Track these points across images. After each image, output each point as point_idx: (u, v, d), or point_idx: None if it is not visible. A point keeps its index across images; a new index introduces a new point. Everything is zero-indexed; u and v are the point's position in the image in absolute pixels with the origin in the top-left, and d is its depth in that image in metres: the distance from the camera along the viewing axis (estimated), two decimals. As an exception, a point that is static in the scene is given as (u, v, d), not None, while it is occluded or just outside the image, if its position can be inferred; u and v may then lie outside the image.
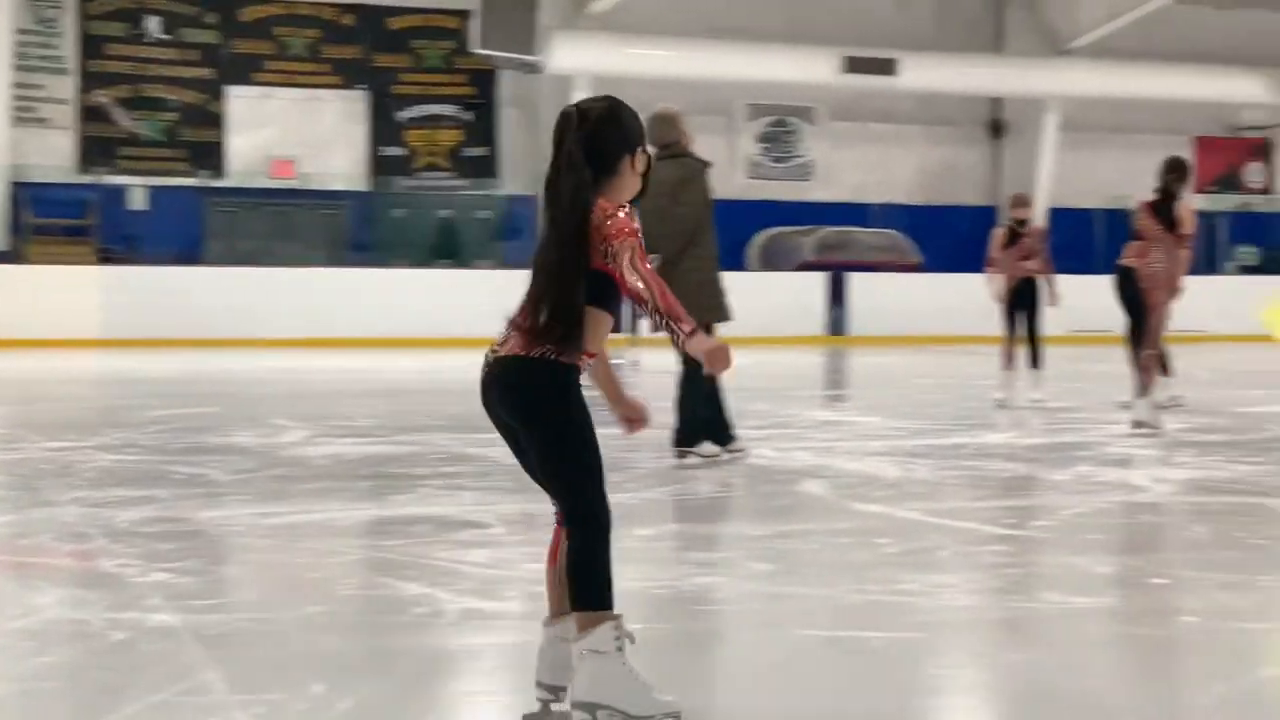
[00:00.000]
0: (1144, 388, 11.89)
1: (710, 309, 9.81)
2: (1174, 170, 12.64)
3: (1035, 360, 14.55)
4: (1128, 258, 12.79)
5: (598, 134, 4.20)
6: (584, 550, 4.17)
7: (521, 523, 7.73)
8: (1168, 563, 6.86)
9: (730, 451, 9.97)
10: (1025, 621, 5.71)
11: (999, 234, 14.87)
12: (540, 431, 4.23)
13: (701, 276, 9.89)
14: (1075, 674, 4.85)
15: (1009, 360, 14.33)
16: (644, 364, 18.30)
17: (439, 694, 4.79)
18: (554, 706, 4.28)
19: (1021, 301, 14.55)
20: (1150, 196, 12.61)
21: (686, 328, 4.07)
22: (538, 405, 4.21)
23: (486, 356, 4.27)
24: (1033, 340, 14.56)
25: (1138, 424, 11.71)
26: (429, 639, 5.35)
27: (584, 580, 4.16)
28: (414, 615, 5.65)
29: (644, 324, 15.59)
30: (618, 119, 4.26)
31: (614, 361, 12.05)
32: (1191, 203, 13.16)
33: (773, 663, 5.05)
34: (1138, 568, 6.79)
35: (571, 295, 4.15)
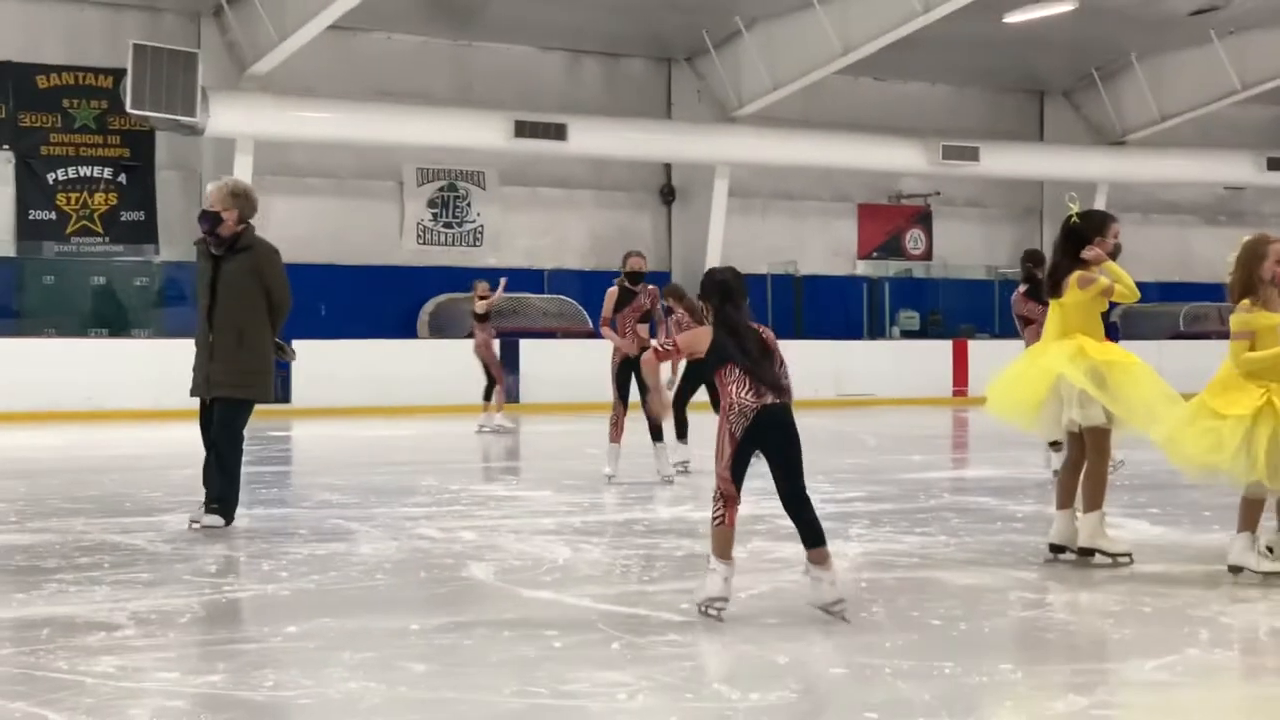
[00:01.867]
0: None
1: (264, 389, 10.28)
2: (1033, 260, 14.53)
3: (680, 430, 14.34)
4: (1033, 339, 14.33)
5: None
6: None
7: (158, 623, 7.05)
8: (846, 649, 6.56)
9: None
10: (700, 723, 5.32)
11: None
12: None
13: (268, 352, 10.12)
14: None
15: (620, 431, 13.62)
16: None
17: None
18: None
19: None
20: (1021, 288, 14.39)
21: None
22: None
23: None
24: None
25: None
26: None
27: None
28: (13, 746, 4.95)
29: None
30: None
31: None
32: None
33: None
34: (816, 656, 6.47)
35: None
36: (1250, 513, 8.05)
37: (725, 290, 7.11)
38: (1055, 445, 14.69)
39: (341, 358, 24.67)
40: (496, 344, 21.82)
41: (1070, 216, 8.82)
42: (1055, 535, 8.75)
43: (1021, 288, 14.76)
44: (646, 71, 30.24)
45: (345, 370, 24.44)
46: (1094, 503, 8.58)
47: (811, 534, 7.08)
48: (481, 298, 21.15)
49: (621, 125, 28.13)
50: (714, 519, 7.09)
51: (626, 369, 13.68)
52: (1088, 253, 8.67)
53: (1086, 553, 8.59)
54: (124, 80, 23.45)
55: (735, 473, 7.06)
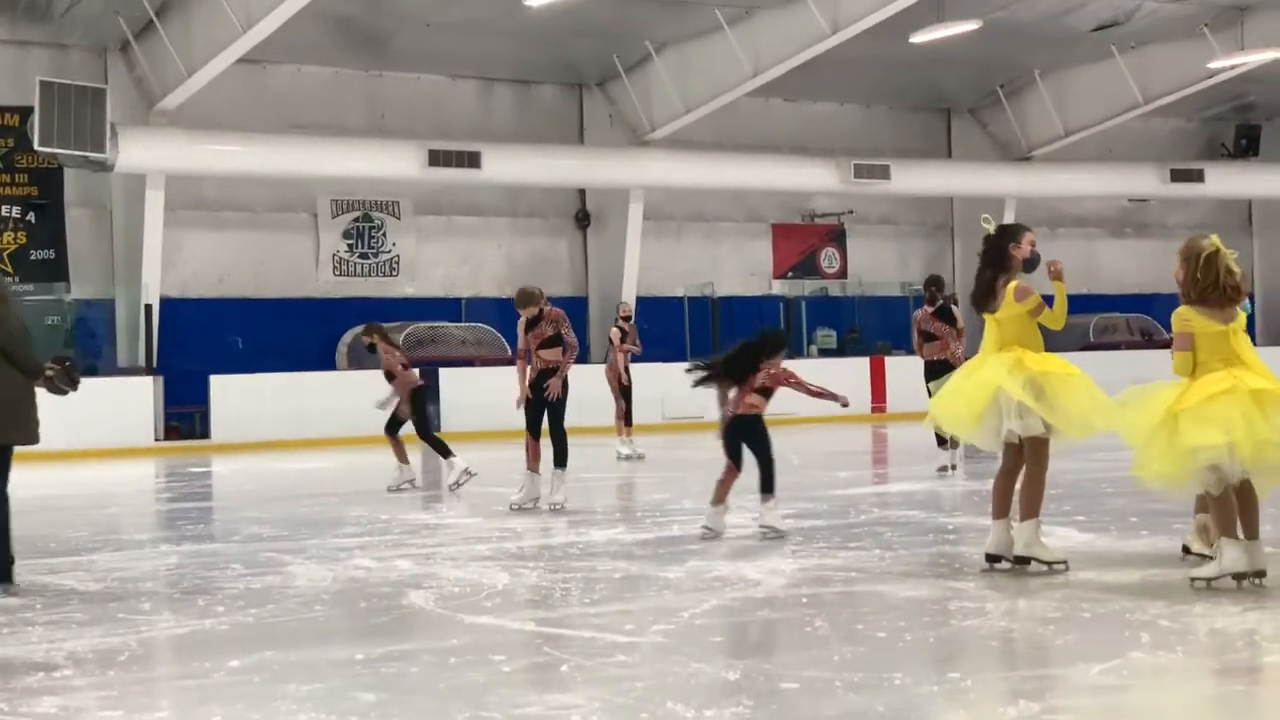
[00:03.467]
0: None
1: (16, 429, 9.37)
2: (935, 284, 16.69)
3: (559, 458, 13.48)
4: (935, 354, 16.34)
5: None
6: None
7: (96, 662, 6.96)
8: (795, 664, 6.58)
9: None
10: (657, 741, 5.32)
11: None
12: None
13: (9, 394, 9.24)
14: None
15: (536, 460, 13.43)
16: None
17: None
18: None
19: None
20: (926, 309, 16.54)
21: None
22: None
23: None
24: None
25: None
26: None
27: None
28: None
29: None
30: None
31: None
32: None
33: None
34: (766, 672, 6.48)
35: None
36: (1225, 513, 7.96)
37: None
38: (943, 443, 15.51)
39: (260, 391, 24.50)
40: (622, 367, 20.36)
41: (987, 234, 8.95)
42: (991, 545, 8.83)
43: (928, 308, 16.66)
44: (558, 98, 30.28)
45: (264, 403, 24.27)
46: (1031, 511, 8.67)
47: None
48: (625, 317, 20.80)
49: (535, 152, 28.13)
50: None
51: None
52: (1018, 250, 8.77)
53: (1023, 561, 8.67)
54: (31, 118, 23.18)
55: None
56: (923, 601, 8.00)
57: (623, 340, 20.39)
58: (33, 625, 7.97)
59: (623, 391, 20.03)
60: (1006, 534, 8.75)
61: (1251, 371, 7.93)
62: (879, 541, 10.46)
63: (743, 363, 11.27)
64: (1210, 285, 7.99)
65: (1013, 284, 8.75)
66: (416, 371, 16.77)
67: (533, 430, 13.43)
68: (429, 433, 16.11)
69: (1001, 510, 8.81)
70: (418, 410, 16.06)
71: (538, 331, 13.51)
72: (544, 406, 13.38)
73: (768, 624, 7.73)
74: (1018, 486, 8.76)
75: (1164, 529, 10.25)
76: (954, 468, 16.13)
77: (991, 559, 8.80)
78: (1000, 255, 8.85)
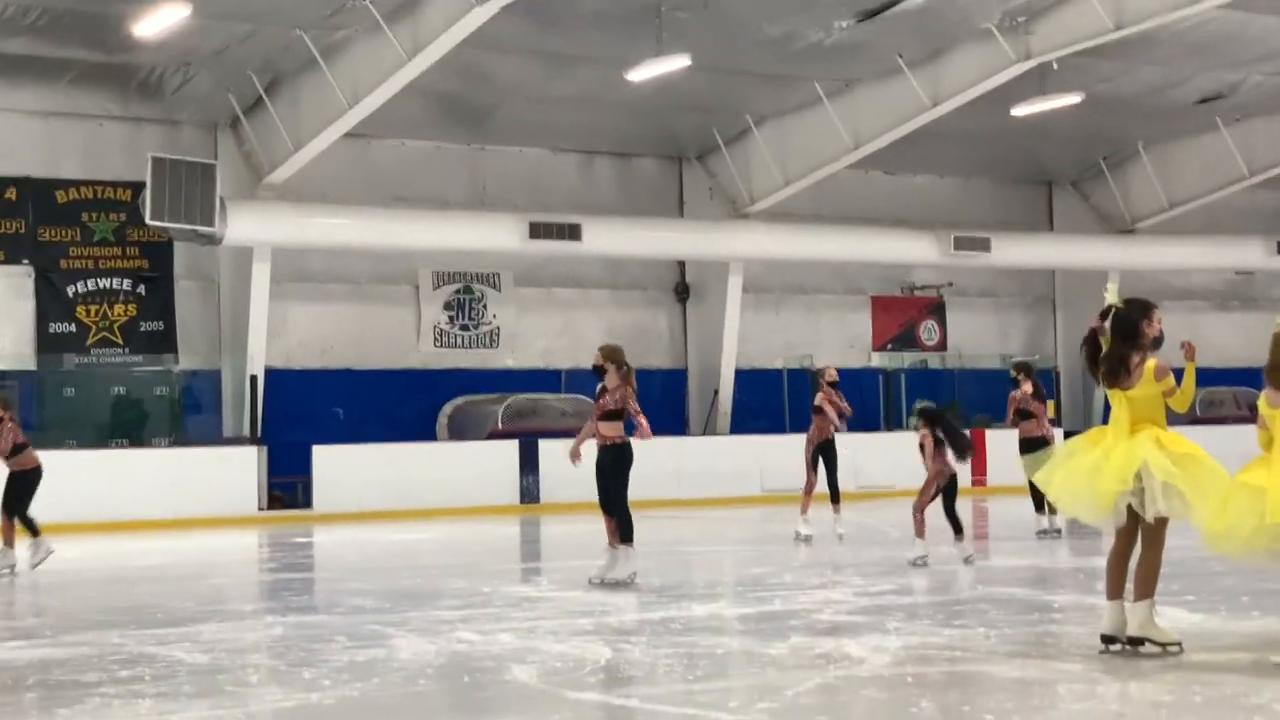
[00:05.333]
0: None
1: None
2: (1026, 369, 17.93)
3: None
4: (1031, 431, 17.25)
5: None
6: None
7: (206, 734, 7.04)
8: (902, 744, 6.53)
9: None
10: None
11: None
12: None
13: None
14: None
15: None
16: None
17: None
18: None
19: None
20: (1026, 387, 17.52)
21: None
22: None
23: None
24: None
25: None
26: None
27: None
28: None
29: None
30: None
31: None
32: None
33: None
34: (873, 752, 6.44)
35: None
36: None
37: None
38: (1041, 508, 16.18)
39: (361, 462, 24.72)
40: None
41: (1112, 306, 8.83)
42: (1106, 625, 8.69)
43: (1026, 387, 17.48)
44: (658, 170, 30.47)
45: (365, 474, 24.47)
46: (1146, 591, 8.54)
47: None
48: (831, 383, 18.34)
49: (635, 224, 28.29)
50: None
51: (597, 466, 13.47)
52: (1150, 328, 8.67)
53: (1136, 642, 8.54)
54: (143, 193, 23.63)
55: None
56: (1030, 683, 7.90)
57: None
58: (142, 697, 8.06)
59: (827, 464, 17.98)
60: (1121, 614, 8.61)
61: None
62: (983, 619, 10.35)
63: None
64: (1272, 366, 8.08)
65: (1152, 362, 8.63)
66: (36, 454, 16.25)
67: (604, 507, 13.39)
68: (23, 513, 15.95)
69: (1116, 590, 8.68)
70: (20, 490, 15.88)
71: (602, 402, 13.34)
72: (605, 482, 13.31)
73: (873, 704, 7.66)
74: (1132, 565, 8.63)
75: (1276, 609, 10.08)
76: (1058, 532, 16.15)
77: (1106, 640, 8.67)
78: (1133, 330, 8.72)
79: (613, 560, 13.26)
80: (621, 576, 13.09)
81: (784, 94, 27.10)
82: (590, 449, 13.39)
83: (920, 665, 8.54)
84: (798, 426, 29.43)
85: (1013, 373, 18.29)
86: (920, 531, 14.53)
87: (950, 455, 14.68)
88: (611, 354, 13.39)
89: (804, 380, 30.68)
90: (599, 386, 13.55)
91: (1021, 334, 33.72)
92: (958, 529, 14.69)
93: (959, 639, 9.46)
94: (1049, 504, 15.24)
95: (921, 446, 14.93)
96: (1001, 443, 28.76)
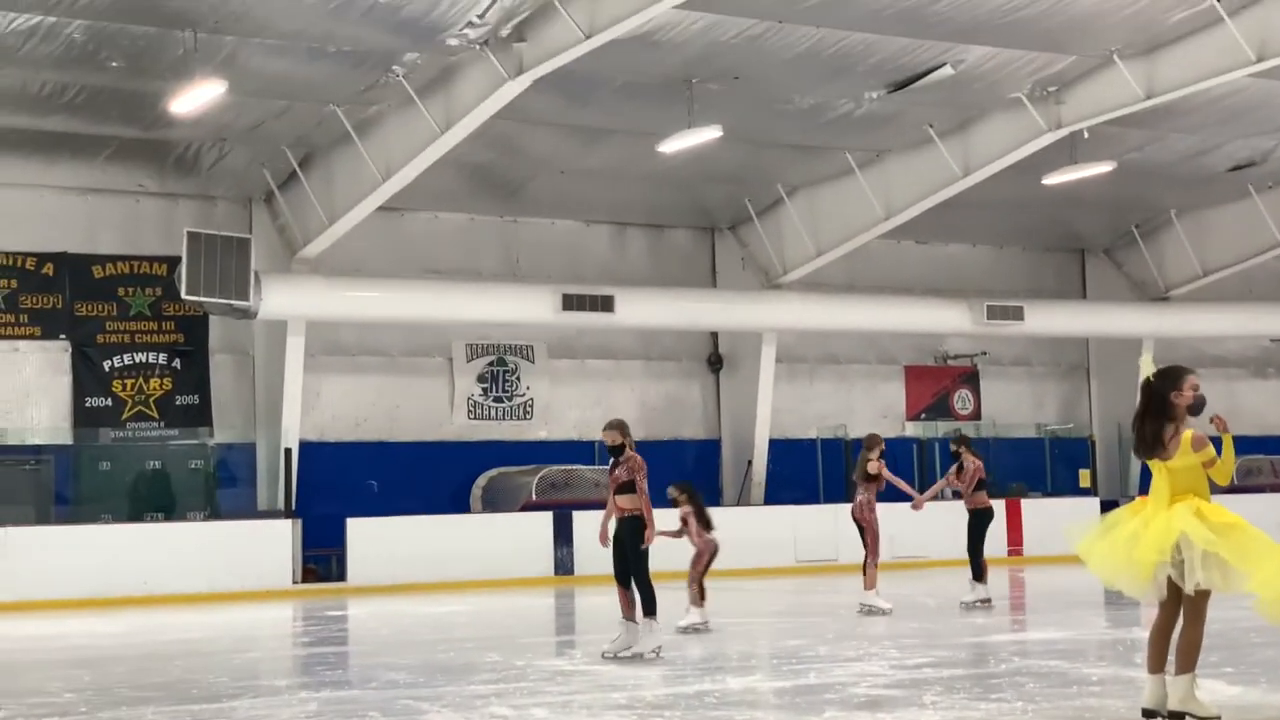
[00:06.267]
0: None
1: None
2: (963, 443, 18.88)
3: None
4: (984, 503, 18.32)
5: None
6: None
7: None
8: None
9: None
10: None
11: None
12: None
13: None
14: None
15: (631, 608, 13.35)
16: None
17: None
18: None
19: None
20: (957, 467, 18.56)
21: None
22: None
23: None
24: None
25: None
26: None
27: None
28: None
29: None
30: None
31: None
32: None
33: None
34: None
35: None
36: None
37: None
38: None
39: (395, 534, 24.71)
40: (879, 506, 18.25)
41: (1147, 377, 8.79)
42: (1148, 699, 8.60)
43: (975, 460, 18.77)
44: (691, 241, 30.56)
45: (399, 546, 24.46)
46: (1188, 665, 8.45)
47: None
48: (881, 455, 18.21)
49: (667, 295, 28.33)
50: None
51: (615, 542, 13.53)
52: (1179, 398, 8.60)
53: (1178, 717, 8.45)
54: (178, 267, 23.80)
55: None
56: (1069, 757, 7.83)
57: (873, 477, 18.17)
58: (176, 773, 8.05)
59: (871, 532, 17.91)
60: (1163, 689, 8.52)
61: None
62: (1020, 693, 10.27)
63: None
64: None
65: (1189, 433, 8.57)
66: None
67: (619, 579, 13.37)
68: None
69: (1158, 664, 8.58)
70: None
71: (615, 476, 13.45)
72: (624, 554, 13.32)
73: (910, 779, 7.61)
74: (1173, 639, 8.55)
75: (1317, 682, 9.98)
76: (987, 601, 17.20)
77: (1148, 715, 8.57)
78: (1161, 403, 8.67)
79: (630, 633, 13.21)
80: (644, 651, 13.04)
81: (815, 164, 27.20)
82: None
83: (957, 740, 8.47)
84: (831, 497, 29.46)
85: (954, 446, 18.52)
86: (697, 600, 15.74)
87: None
88: (622, 426, 13.57)
89: (838, 450, 30.65)
90: (610, 462, 13.64)
91: (1056, 402, 33.61)
92: (699, 597, 15.72)
93: (996, 712, 9.39)
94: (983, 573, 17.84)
95: (684, 520, 16.13)
96: (1039, 512, 28.83)
